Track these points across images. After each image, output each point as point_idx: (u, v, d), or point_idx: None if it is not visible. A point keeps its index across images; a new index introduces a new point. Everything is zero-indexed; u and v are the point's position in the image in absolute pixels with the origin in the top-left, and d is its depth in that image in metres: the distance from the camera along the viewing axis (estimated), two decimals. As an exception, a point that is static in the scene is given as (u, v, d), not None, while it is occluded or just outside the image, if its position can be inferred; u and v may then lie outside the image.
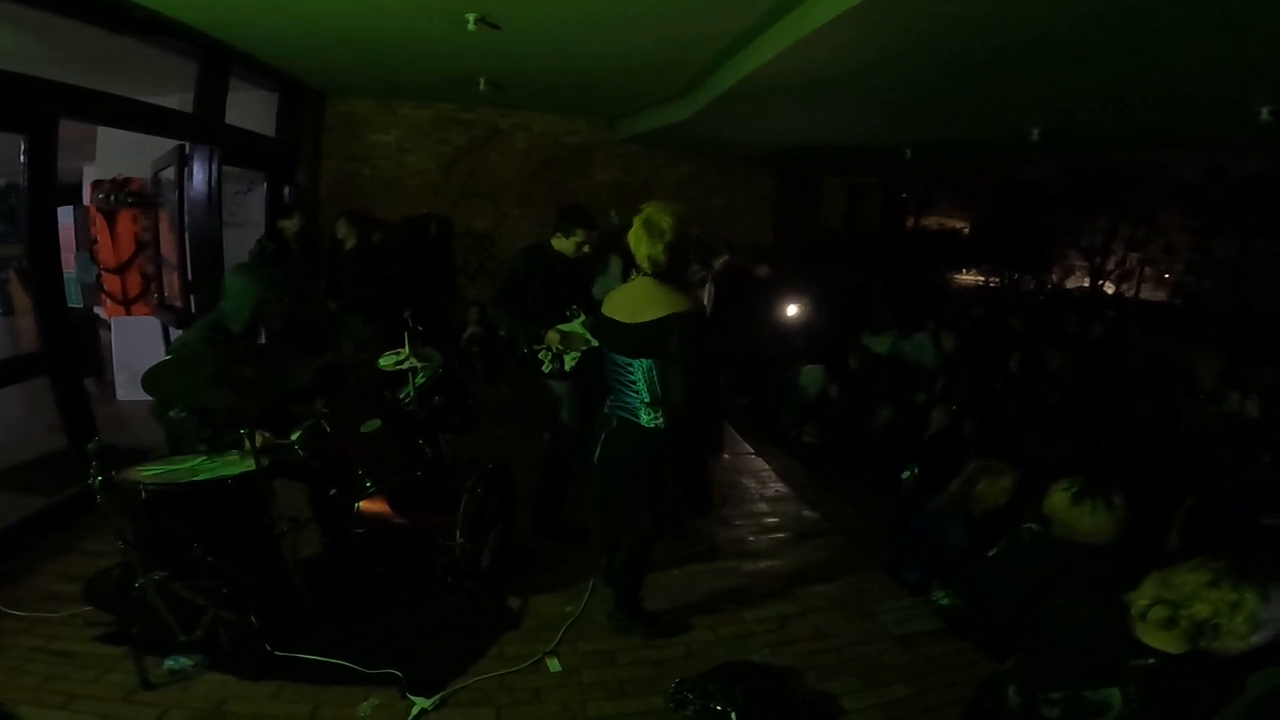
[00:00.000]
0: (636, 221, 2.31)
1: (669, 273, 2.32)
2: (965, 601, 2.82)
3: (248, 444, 2.39)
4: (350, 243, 5.74)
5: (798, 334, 7.49)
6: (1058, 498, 2.53)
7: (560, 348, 3.21)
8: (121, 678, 2.27)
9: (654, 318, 2.24)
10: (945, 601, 2.89)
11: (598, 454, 2.50)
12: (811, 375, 6.27)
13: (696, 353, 2.24)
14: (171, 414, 2.66)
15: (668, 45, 4.44)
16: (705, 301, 6.61)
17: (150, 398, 2.56)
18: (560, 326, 3.19)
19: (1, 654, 2.40)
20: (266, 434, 2.68)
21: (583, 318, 3.25)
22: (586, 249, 3.27)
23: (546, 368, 3.28)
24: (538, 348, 3.26)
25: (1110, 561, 2.41)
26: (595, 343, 3.15)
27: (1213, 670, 1.67)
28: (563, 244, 3.25)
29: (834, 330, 7.55)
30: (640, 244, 2.29)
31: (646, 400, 2.32)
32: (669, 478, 2.35)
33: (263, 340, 3.24)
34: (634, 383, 2.35)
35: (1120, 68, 3.92)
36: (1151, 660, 1.67)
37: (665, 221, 2.26)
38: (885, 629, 2.86)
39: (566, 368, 3.27)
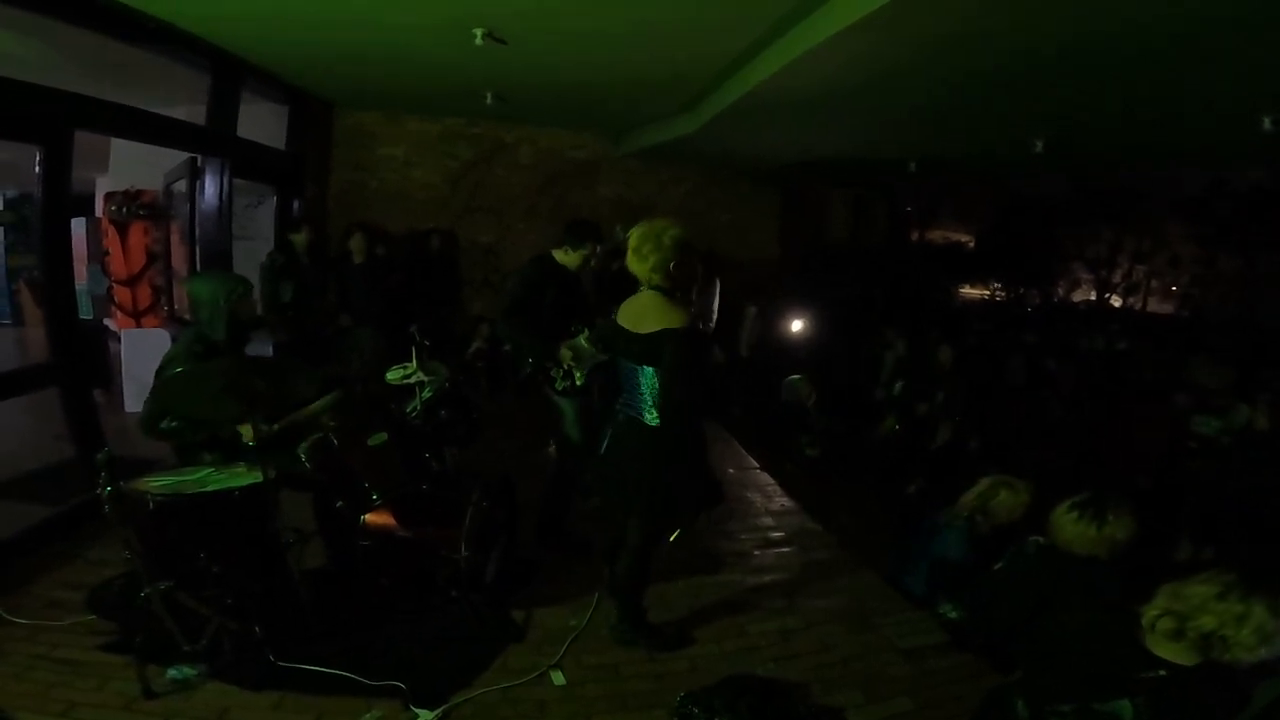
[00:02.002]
0: (629, 249, 2.44)
1: (669, 287, 2.43)
2: (970, 614, 2.80)
3: (243, 436, 2.39)
4: (360, 257, 5.79)
5: (800, 347, 7.49)
6: (1067, 514, 2.55)
7: (572, 364, 3.22)
8: (123, 686, 2.27)
9: (651, 331, 2.36)
10: (951, 614, 2.87)
11: (605, 447, 2.62)
12: (794, 385, 6.26)
13: (690, 366, 2.35)
14: (163, 425, 2.65)
15: (673, 60, 4.49)
16: (751, 319, 6.67)
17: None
18: (569, 343, 3.21)
19: (4, 661, 2.40)
20: (261, 425, 2.61)
21: (585, 332, 3.26)
22: (593, 263, 3.30)
23: (559, 384, 3.28)
24: (549, 364, 3.26)
25: (1108, 573, 2.41)
26: (602, 357, 3.19)
27: (1224, 681, 1.66)
28: (568, 257, 3.27)
29: (835, 343, 7.56)
30: (636, 267, 2.44)
31: (650, 403, 2.44)
32: (665, 476, 2.42)
33: (256, 346, 3.21)
34: (639, 385, 2.46)
35: (1123, 78, 3.94)
36: (1162, 672, 1.66)
37: (647, 246, 2.39)
38: (890, 642, 2.84)
39: (578, 383, 3.27)
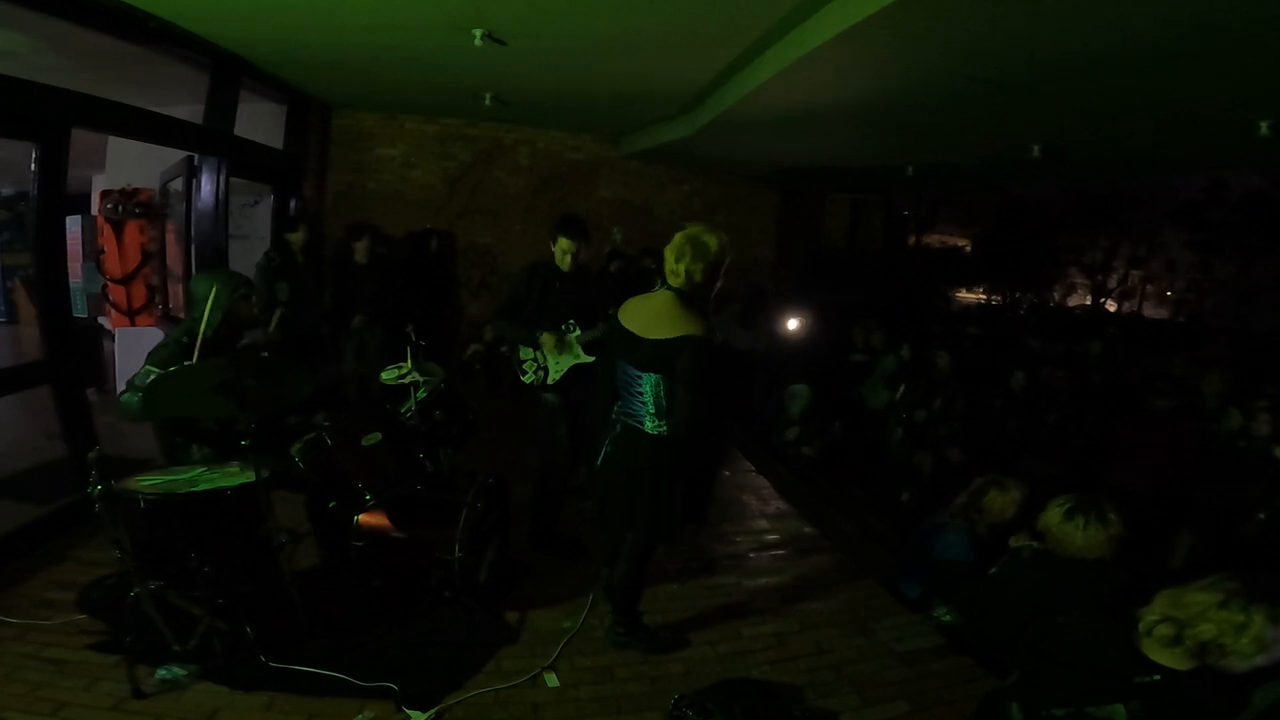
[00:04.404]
0: (680, 237, 2.33)
1: (695, 293, 2.34)
2: (966, 619, 2.80)
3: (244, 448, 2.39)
4: (363, 258, 5.88)
5: (796, 351, 7.49)
6: (1051, 514, 2.56)
7: (551, 351, 3.24)
8: (112, 686, 2.26)
9: (666, 337, 2.27)
10: (947, 618, 2.87)
11: (601, 458, 2.55)
12: (797, 393, 6.29)
13: (705, 377, 2.26)
14: (123, 395, 2.61)
15: (669, 66, 4.49)
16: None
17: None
18: (550, 333, 3.24)
19: (-7, 661, 2.38)
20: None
21: (578, 333, 3.27)
22: (569, 258, 3.30)
23: (529, 378, 3.31)
24: (523, 360, 3.30)
25: (1108, 578, 2.41)
26: (587, 359, 3.22)
27: (1219, 687, 1.65)
28: (555, 253, 3.31)
29: (832, 348, 7.56)
30: (682, 258, 2.30)
31: (651, 410, 2.37)
32: (668, 485, 2.37)
33: (247, 345, 3.23)
34: (641, 393, 2.39)
35: (1122, 84, 3.95)
36: (1157, 677, 1.65)
37: (713, 243, 2.31)
38: (885, 645, 2.84)
39: (550, 379, 3.28)
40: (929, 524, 3.28)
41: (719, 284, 2.39)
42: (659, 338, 2.28)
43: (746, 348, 6.91)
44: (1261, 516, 3.79)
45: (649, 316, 2.34)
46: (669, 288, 2.36)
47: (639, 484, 2.40)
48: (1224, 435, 4.43)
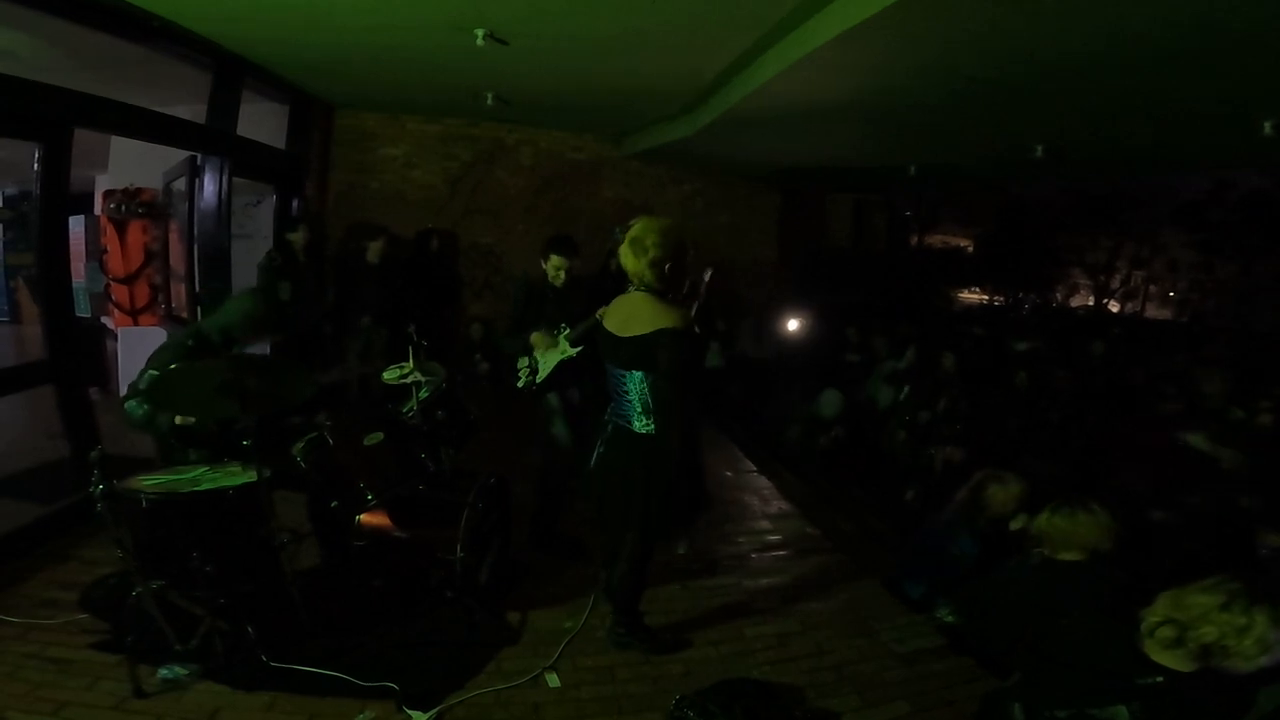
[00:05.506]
0: (625, 239, 2.37)
1: (661, 288, 2.37)
2: (968, 621, 2.80)
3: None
4: (375, 258, 5.95)
5: (798, 352, 7.50)
6: (1042, 516, 2.59)
7: (540, 350, 3.33)
8: (114, 686, 2.26)
9: (642, 332, 2.29)
10: (949, 618, 2.87)
11: (595, 459, 2.56)
12: (830, 399, 6.24)
13: (684, 367, 2.28)
14: (128, 402, 2.67)
15: (669, 66, 4.50)
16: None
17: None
18: (539, 334, 3.34)
19: (-5, 661, 2.38)
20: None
21: (567, 331, 3.35)
22: (561, 274, 3.38)
23: (522, 382, 3.38)
24: (518, 368, 3.39)
25: (1108, 578, 2.43)
26: (572, 353, 3.31)
27: (1222, 688, 1.65)
28: (547, 269, 3.43)
29: (833, 348, 7.57)
30: (629, 261, 2.36)
31: (639, 410, 2.38)
32: (660, 484, 2.37)
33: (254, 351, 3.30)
34: (627, 392, 2.41)
35: (1122, 84, 3.95)
36: (1160, 678, 1.65)
37: (650, 239, 2.32)
38: (886, 646, 2.84)
39: (539, 378, 3.35)
40: (931, 523, 3.28)
41: (686, 275, 2.41)
42: (636, 334, 2.30)
43: (755, 356, 7.21)
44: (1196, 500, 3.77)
45: (625, 316, 2.38)
46: (637, 289, 2.39)
47: (632, 483, 2.40)
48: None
